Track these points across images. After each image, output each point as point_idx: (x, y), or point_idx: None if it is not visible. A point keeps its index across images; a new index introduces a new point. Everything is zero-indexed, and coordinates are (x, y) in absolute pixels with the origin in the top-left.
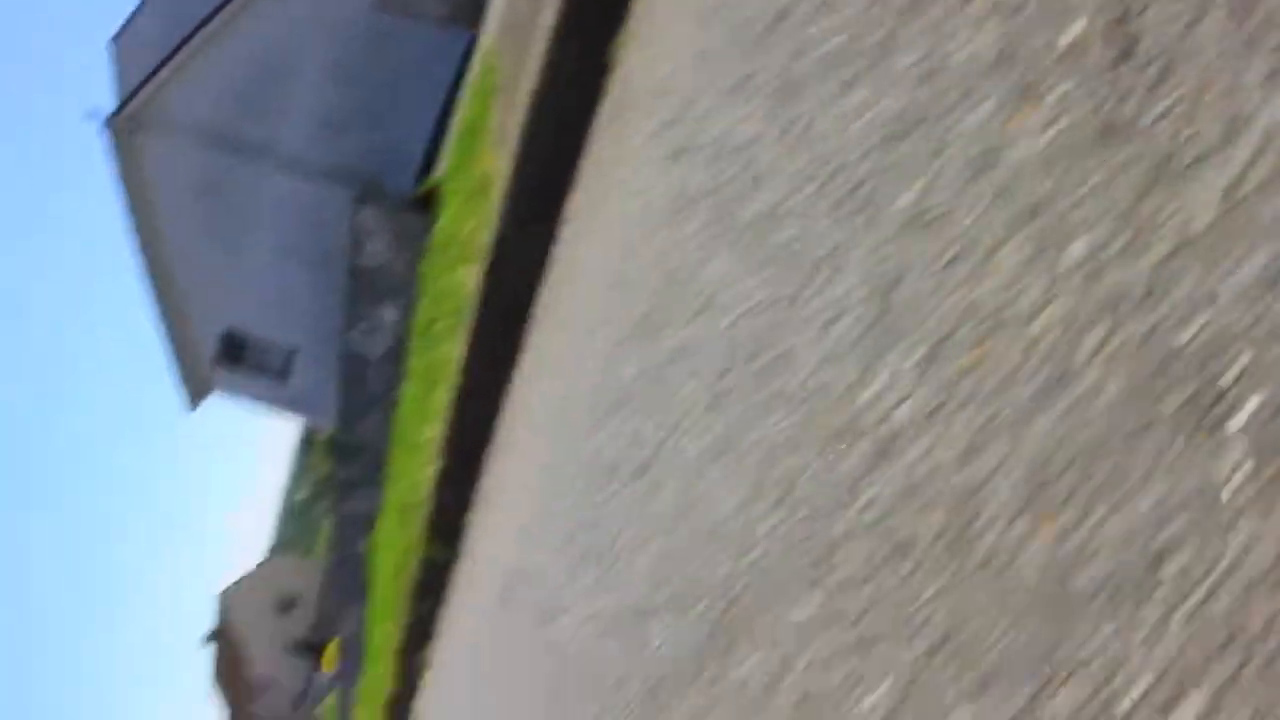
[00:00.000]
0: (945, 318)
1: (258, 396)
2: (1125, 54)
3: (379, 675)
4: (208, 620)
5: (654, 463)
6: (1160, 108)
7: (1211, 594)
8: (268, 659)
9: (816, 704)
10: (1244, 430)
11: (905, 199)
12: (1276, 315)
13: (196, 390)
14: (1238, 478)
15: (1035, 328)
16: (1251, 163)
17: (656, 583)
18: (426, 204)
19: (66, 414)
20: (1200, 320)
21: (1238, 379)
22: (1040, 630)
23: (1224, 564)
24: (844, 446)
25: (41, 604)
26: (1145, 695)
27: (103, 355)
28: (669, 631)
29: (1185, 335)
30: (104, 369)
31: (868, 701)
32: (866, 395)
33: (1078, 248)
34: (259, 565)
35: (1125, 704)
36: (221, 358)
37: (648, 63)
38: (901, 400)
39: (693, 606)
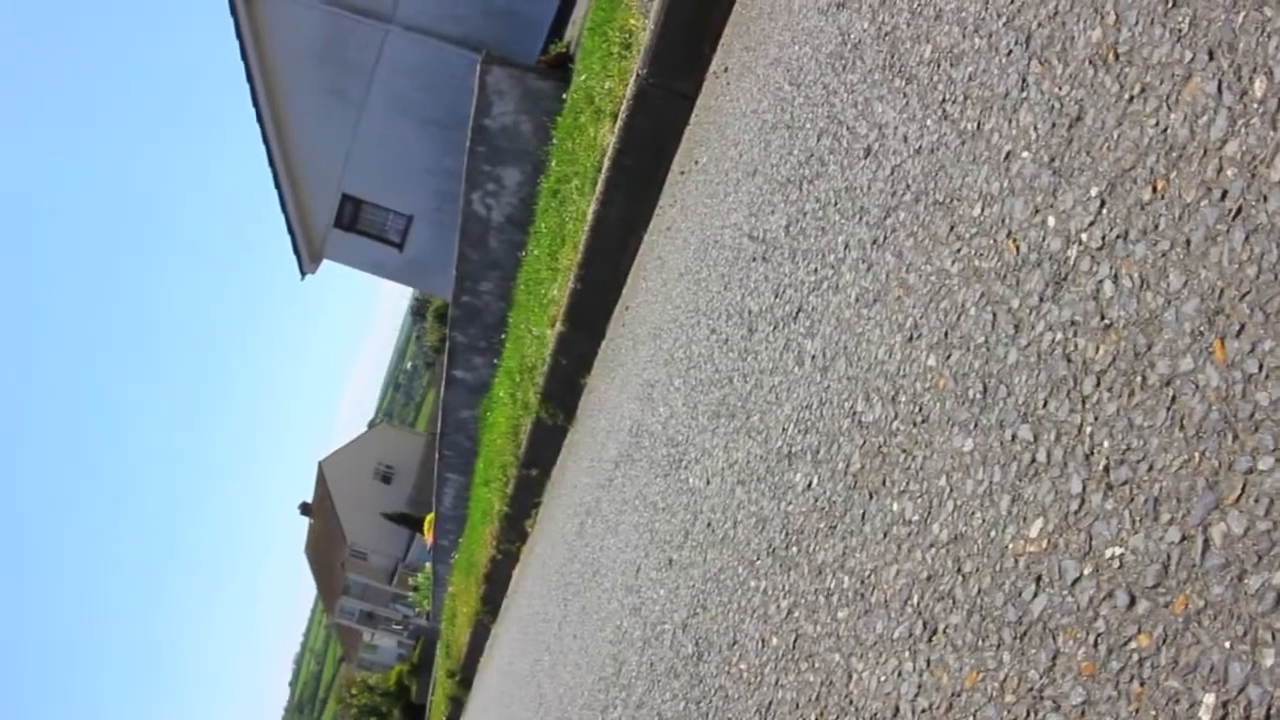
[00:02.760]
0: (1127, 151)
1: (373, 263)
2: None
3: (478, 544)
4: (309, 489)
5: (805, 308)
6: None
7: None
8: (365, 529)
9: (969, 541)
10: None
11: (1094, 34)
12: None
13: (311, 255)
14: None
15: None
16: None
17: (803, 429)
18: (555, 68)
19: (182, 276)
20: None
21: None
22: (1211, 453)
23: None
24: (1016, 278)
25: (152, 470)
26: None
27: (218, 219)
28: (814, 474)
29: None
30: (219, 233)
31: (1032, 530)
32: (1043, 226)
33: (1260, 84)
34: (361, 435)
35: None
36: (338, 221)
37: None
38: (1079, 231)
39: (841, 449)
